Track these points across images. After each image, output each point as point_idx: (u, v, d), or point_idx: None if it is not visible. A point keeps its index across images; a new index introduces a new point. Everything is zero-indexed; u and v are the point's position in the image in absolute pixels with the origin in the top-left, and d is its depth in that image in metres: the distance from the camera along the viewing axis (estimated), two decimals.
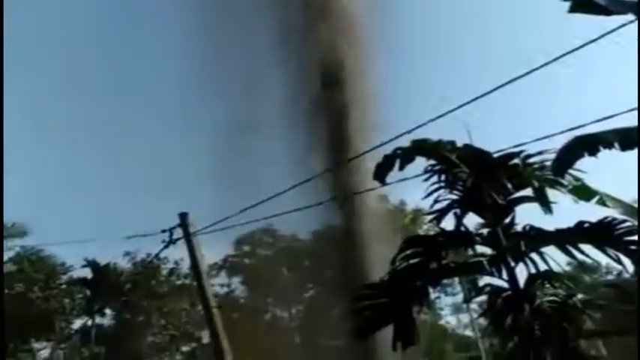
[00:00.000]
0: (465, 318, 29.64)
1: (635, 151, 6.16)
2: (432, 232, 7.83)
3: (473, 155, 6.33)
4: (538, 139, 7.58)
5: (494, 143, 6.67)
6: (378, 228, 21.28)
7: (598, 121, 7.81)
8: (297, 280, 33.40)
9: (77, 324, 31.44)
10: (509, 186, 6.17)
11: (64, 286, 31.14)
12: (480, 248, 6.35)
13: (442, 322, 31.12)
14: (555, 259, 6.36)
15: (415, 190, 7.50)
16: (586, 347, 6.18)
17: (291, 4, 22.24)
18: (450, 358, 27.12)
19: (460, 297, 28.69)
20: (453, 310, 30.81)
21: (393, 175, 6.65)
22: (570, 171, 6.73)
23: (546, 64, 8.92)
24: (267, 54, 22.41)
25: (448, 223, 6.35)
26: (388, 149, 6.60)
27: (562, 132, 7.60)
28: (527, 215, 6.30)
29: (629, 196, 7.98)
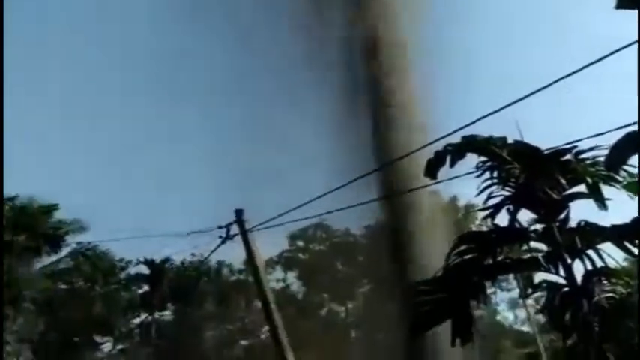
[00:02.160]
0: (521, 313, 29.13)
1: None
2: (484, 228, 7.81)
3: (524, 151, 6.31)
4: (591, 137, 7.44)
5: (545, 141, 6.61)
6: (431, 224, 21.17)
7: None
8: (351, 275, 33.53)
9: (137, 320, 32.13)
10: (563, 182, 6.13)
11: (123, 282, 31.91)
12: (535, 244, 6.33)
13: (499, 317, 30.68)
14: (612, 255, 6.30)
15: (467, 186, 7.52)
16: None
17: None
18: (508, 354, 26.72)
19: (516, 292, 28.23)
20: (509, 305, 30.34)
21: (445, 171, 6.69)
22: (625, 167, 6.64)
23: (594, 62, 8.72)
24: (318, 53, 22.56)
25: (502, 220, 6.36)
26: (439, 147, 6.65)
27: (615, 129, 7.43)
28: (582, 212, 6.23)
29: None
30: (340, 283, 34.01)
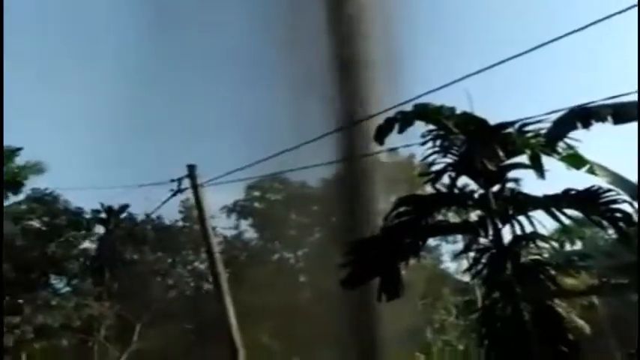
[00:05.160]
0: (465, 263, 30.17)
1: None
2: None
3: (470, 122, 6.70)
4: (548, 113, 7.85)
5: (509, 115, 7.00)
6: (386, 180, 21.74)
7: (609, 99, 8.04)
8: (304, 224, 34.21)
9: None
10: (501, 153, 6.57)
11: (79, 226, 31.91)
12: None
13: (442, 266, 31.84)
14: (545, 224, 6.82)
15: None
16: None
17: None
18: (446, 302, 27.99)
19: (460, 245, 29.33)
20: (452, 256, 31.40)
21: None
22: (566, 140, 7.12)
23: (558, 38, 9.13)
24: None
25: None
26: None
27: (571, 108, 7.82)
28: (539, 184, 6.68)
29: None
30: (293, 231, 34.71)
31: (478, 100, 7.11)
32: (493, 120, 6.75)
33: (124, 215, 32.15)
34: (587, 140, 7.13)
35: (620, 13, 7.69)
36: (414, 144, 7.26)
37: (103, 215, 32.02)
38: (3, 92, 13.40)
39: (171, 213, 32.26)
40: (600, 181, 7.09)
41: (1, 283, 18.27)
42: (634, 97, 7.26)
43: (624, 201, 6.20)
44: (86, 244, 31.99)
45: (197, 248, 31.71)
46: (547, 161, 6.93)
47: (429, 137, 6.60)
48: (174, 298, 33.10)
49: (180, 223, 33.85)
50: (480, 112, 6.87)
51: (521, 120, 6.96)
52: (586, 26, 8.27)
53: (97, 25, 38.05)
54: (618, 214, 6.30)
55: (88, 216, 32.05)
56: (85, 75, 38.37)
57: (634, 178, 7.16)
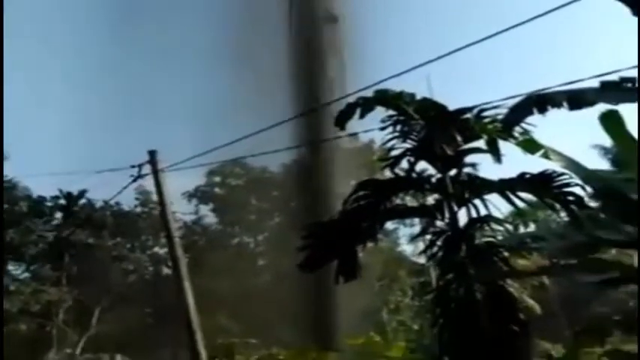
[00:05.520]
0: (421, 246, 30.56)
1: None
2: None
3: (429, 108, 6.82)
4: (505, 99, 8.01)
5: (468, 101, 7.13)
6: (346, 164, 21.92)
7: (568, 83, 8.27)
8: (264, 209, 34.25)
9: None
10: (459, 138, 6.71)
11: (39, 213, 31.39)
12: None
13: (399, 249, 32.33)
14: (500, 207, 7.02)
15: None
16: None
17: None
18: (402, 283, 28.54)
19: (417, 228, 29.79)
20: (409, 239, 31.90)
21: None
22: (523, 125, 7.31)
23: (518, 25, 9.34)
24: None
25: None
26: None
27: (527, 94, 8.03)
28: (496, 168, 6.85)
29: None
30: (253, 216, 34.72)
31: (439, 87, 7.24)
32: (452, 106, 6.89)
33: (82, 201, 31.73)
34: (544, 126, 7.35)
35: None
36: (374, 129, 7.33)
37: (62, 201, 31.55)
38: (3, 92, 13.08)
39: (129, 199, 32.03)
40: (554, 166, 7.33)
41: (1, 289, 17.86)
42: (590, 83, 7.48)
43: (576, 184, 6.40)
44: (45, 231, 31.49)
45: (156, 234, 31.59)
46: (504, 146, 7.14)
47: (389, 122, 6.70)
48: (133, 282, 32.94)
49: (139, 209, 33.56)
50: (439, 98, 7.03)
51: (480, 105, 7.11)
52: (545, 13, 8.46)
53: (62, 11, 37.09)
54: (571, 197, 6.51)
55: (49, 203, 31.57)
56: (44, 60, 37.44)
57: (586, 163, 7.40)
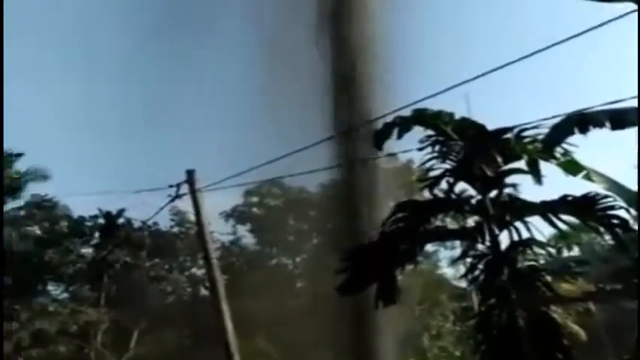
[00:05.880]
0: (462, 269, 29.95)
1: None
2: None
3: (468, 128, 6.73)
4: (545, 119, 7.87)
5: (507, 120, 7.03)
6: (384, 185, 21.73)
7: (602, 105, 8.09)
8: (302, 230, 34.21)
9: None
10: (500, 159, 6.59)
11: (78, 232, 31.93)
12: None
13: (440, 272, 31.82)
14: (542, 230, 6.84)
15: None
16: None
17: None
18: (443, 308, 28.02)
19: (458, 251, 29.30)
20: (450, 262, 31.44)
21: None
22: (564, 146, 7.14)
23: (558, 43, 9.20)
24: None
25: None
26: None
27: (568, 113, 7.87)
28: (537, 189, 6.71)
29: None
30: (291, 237, 34.72)
31: (477, 106, 7.14)
32: (492, 125, 6.78)
33: (121, 220, 32.19)
34: (585, 146, 7.18)
35: (617, 18, 7.73)
36: (412, 149, 7.26)
37: (101, 220, 32.06)
38: (3, 92, 13.36)
39: (166, 219, 32.39)
40: (597, 188, 7.13)
41: (1, 289, 18.24)
42: (632, 103, 7.30)
43: (621, 207, 6.23)
44: (84, 250, 32.05)
45: (194, 254, 31.77)
46: (545, 167, 6.99)
47: (428, 143, 6.63)
48: (171, 303, 33.13)
49: (176, 229, 33.88)
50: (478, 118, 6.93)
51: (520, 125, 6.99)
52: (584, 32, 8.32)
53: (93, 27, 38.06)
54: (615, 220, 6.32)
55: (89, 223, 32.13)
56: (81, 79, 38.40)
57: (630, 185, 7.19)
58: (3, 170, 23.34)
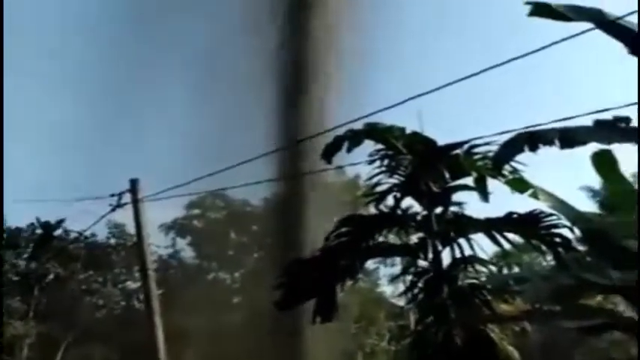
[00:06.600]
0: (401, 287, 29.83)
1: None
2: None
3: (418, 143, 6.63)
4: (498, 133, 7.83)
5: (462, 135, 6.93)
6: (330, 199, 21.61)
7: (556, 121, 8.11)
8: (242, 244, 33.71)
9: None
10: (447, 175, 6.51)
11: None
12: None
13: (379, 290, 31.75)
14: (486, 247, 6.79)
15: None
16: None
17: None
18: (381, 326, 27.94)
19: (398, 268, 29.32)
20: (389, 279, 31.42)
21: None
22: (512, 164, 7.12)
23: (514, 59, 9.19)
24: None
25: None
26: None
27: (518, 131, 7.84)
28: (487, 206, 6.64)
29: None
30: (231, 251, 34.12)
31: (433, 121, 7.02)
32: (445, 141, 6.70)
33: (58, 231, 30.93)
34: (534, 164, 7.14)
35: (578, 35, 7.74)
36: (360, 162, 7.10)
37: (39, 230, 30.73)
38: (3, 92, 12.68)
39: (103, 230, 31.33)
40: (543, 206, 7.15)
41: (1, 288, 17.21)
42: (585, 121, 7.36)
43: (564, 226, 6.23)
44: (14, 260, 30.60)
45: (130, 267, 30.86)
46: (492, 184, 6.94)
47: (377, 157, 6.49)
48: (102, 317, 32.07)
49: (113, 241, 32.84)
50: (433, 134, 6.82)
51: (473, 139, 6.92)
52: (541, 48, 8.33)
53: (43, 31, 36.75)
54: (557, 239, 6.33)
55: (25, 234, 30.77)
56: (22, 83, 36.94)
57: (575, 204, 7.23)
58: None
